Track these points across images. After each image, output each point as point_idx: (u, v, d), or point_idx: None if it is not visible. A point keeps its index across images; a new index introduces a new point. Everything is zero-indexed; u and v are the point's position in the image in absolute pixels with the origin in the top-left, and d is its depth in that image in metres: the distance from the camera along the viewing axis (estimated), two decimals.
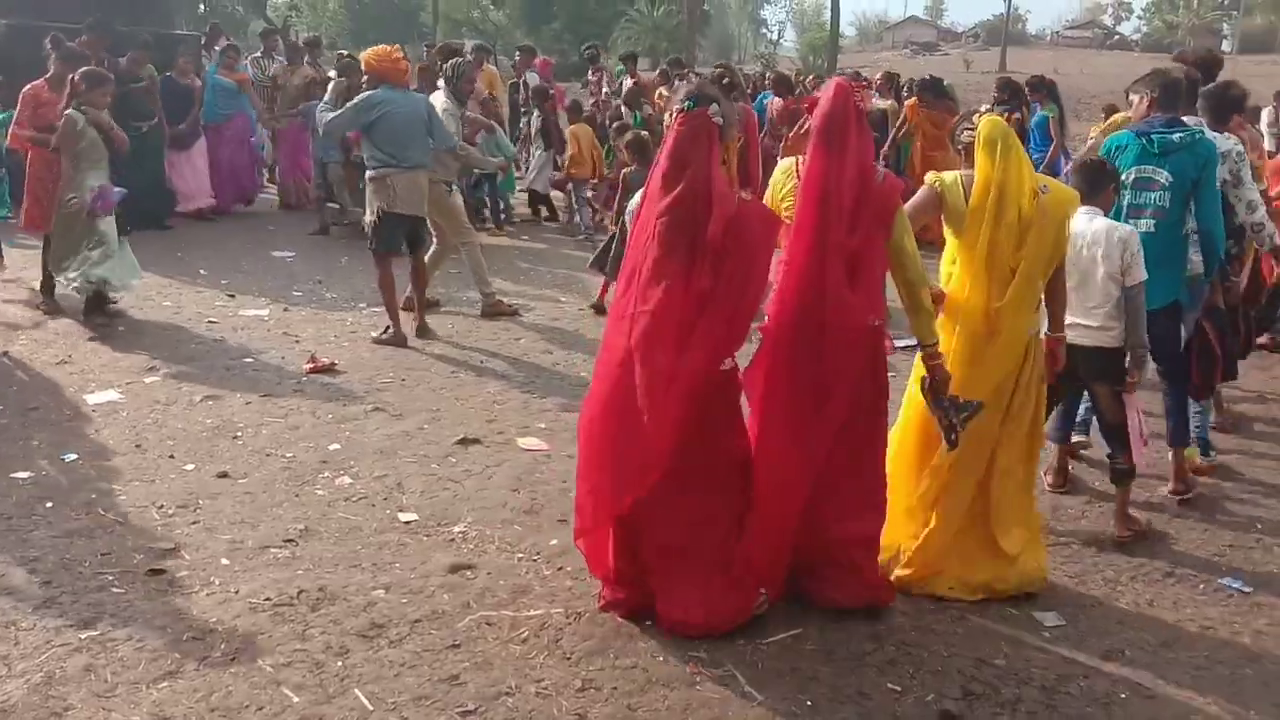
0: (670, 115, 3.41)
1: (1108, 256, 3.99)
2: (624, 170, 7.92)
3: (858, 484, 3.50)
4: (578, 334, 7.04)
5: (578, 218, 10.66)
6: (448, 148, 6.86)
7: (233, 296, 7.66)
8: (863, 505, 3.52)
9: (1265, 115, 10.63)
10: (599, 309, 7.45)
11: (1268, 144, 9.28)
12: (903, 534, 3.79)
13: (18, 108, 7.01)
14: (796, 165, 3.55)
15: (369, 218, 6.61)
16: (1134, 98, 4.83)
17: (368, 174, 6.55)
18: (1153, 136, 4.41)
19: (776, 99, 11.53)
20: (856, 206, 3.32)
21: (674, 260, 3.19)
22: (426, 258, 6.99)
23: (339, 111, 6.65)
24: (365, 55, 6.87)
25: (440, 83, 7.61)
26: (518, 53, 13.86)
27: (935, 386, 3.51)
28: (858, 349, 3.40)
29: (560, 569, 3.80)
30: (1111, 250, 3.98)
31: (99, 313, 6.69)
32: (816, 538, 3.48)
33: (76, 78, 6.45)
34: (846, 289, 3.32)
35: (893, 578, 3.70)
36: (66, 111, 6.38)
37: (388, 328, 6.67)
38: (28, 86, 7.05)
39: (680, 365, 3.15)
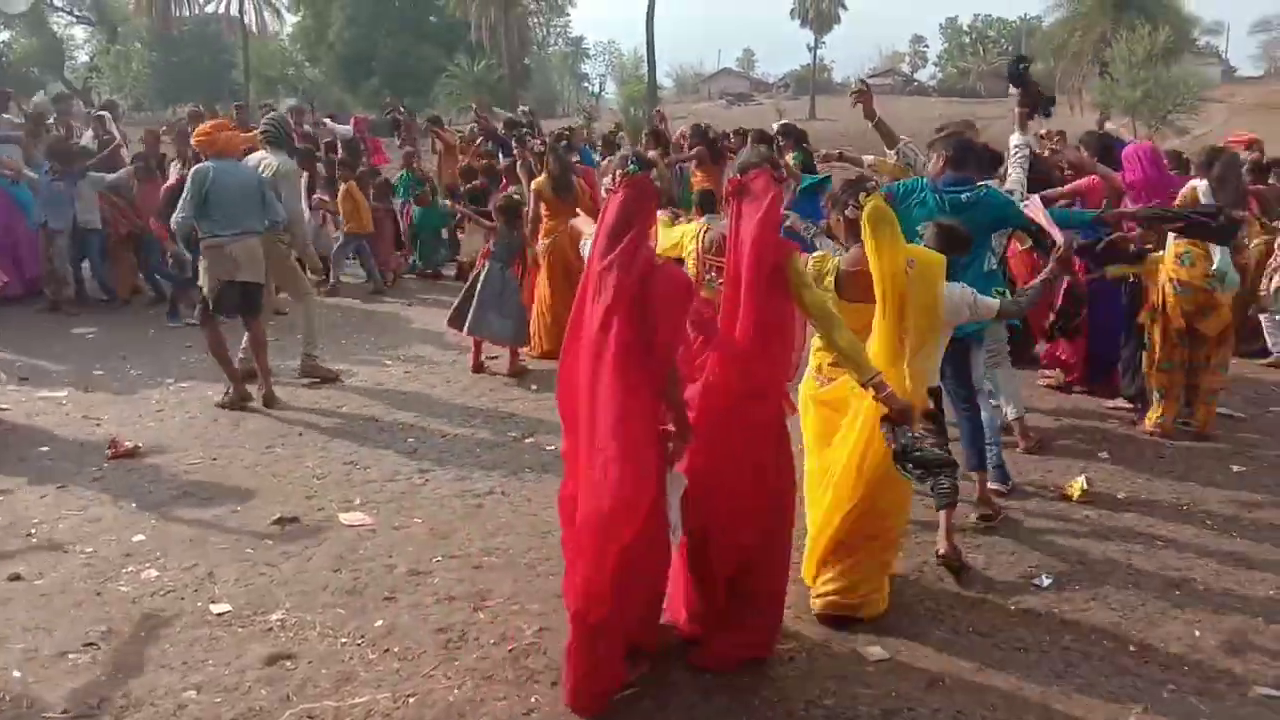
0: (612, 178, 3.53)
1: (955, 314, 4.23)
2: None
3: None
4: (404, 397, 6.89)
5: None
6: (275, 221, 6.66)
7: (25, 379, 7.15)
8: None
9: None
10: (477, 368, 7.56)
11: None
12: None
13: None
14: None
15: (206, 288, 6.44)
16: (931, 155, 5.18)
17: (203, 244, 6.36)
18: (944, 195, 4.76)
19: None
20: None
21: (612, 314, 3.20)
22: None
23: (180, 206, 6.41)
24: (194, 132, 6.88)
25: (264, 142, 7.32)
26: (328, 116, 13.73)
27: (892, 418, 3.53)
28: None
29: (386, 650, 3.69)
30: (956, 312, 4.22)
31: None
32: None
33: None
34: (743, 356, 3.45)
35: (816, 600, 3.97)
36: None
37: (227, 390, 6.53)
38: None
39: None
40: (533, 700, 3.39)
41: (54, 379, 7.21)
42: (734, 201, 3.55)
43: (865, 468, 3.77)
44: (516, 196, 8.20)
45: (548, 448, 5.97)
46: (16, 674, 3.48)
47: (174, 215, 6.55)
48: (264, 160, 6.99)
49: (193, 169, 6.55)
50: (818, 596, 3.97)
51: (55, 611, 3.93)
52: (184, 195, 6.40)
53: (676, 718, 3.30)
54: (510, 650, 3.69)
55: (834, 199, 4.28)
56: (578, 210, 7.05)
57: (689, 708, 3.35)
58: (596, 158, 12.21)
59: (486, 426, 6.36)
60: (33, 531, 4.65)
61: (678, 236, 4.95)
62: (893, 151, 5.80)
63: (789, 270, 3.47)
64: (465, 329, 7.46)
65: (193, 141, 6.76)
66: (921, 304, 3.88)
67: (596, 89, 71.03)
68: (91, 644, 3.69)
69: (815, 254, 4.14)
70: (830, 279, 4.00)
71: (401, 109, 15.48)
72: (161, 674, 3.50)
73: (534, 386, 7.28)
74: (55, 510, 4.89)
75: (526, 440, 6.12)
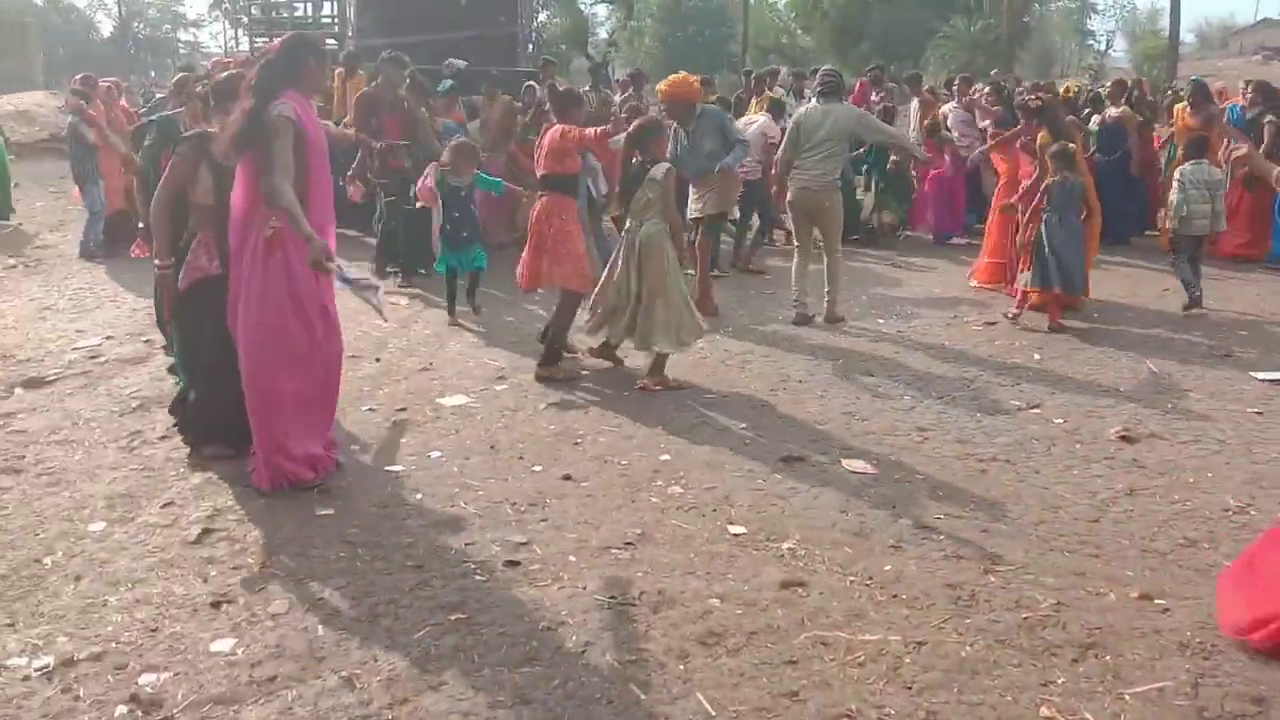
0: None
1: None
2: None
3: None
4: (901, 351, 6.89)
5: None
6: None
7: None
8: None
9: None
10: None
11: None
12: None
13: None
14: None
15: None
16: None
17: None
18: None
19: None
20: None
21: None
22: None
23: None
24: (660, 85, 7.79)
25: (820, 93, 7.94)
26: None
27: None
28: None
29: (894, 595, 3.71)
30: None
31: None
32: None
33: None
34: None
35: None
36: None
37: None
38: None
39: None
40: (1052, 675, 3.22)
41: None
42: None
43: None
44: (1072, 147, 7.83)
45: (1054, 420, 5.64)
46: (571, 558, 4.00)
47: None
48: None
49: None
50: None
51: (599, 510, 4.45)
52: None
53: None
54: (1025, 619, 3.54)
55: None
56: None
57: None
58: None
59: (986, 392, 6.15)
60: (579, 441, 5.30)
61: None
62: None
63: None
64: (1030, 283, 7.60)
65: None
66: None
67: (1103, 46, 64.92)
68: (629, 543, 4.13)
69: None
70: None
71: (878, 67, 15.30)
72: (689, 580, 3.83)
73: (1037, 355, 6.91)
74: (597, 425, 5.54)
75: (1031, 410, 5.82)
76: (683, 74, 8.13)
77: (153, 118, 6.03)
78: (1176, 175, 8.35)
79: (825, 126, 7.45)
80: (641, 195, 5.97)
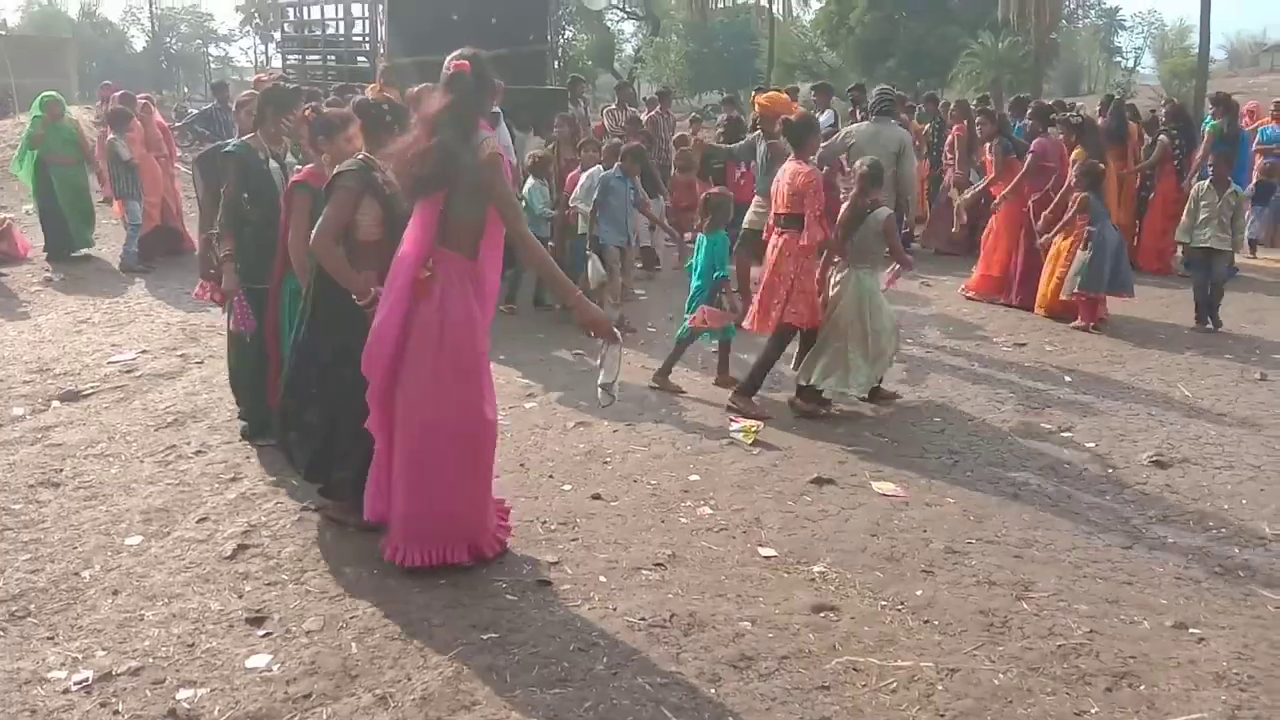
0: None
1: None
2: None
3: None
4: (924, 373, 6.87)
5: None
6: None
7: None
8: None
9: None
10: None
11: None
12: None
13: None
14: None
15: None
16: None
17: None
18: None
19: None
20: None
21: None
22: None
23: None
24: (760, 99, 8.34)
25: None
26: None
27: None
28: None
29: (926, 621, 3.70)
30: None
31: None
32: None
33: None
34: None
35: None
36: None
37: None
38: None
39: None
40: (1086, 704, 3.20)
41: None
42: None
43: None
44: (1101, 166, 8.41)
45: (1086, 445, 5.61)
46: (602, 579, 4.01)
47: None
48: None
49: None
50: None
51: (629, 531, 4.46)
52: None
53: None
54: (1059, 646, 3.52)
55: None
56: None
57: None
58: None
59: (1016, 415, 6.13)
60: (609, 460, 5.32)
61: None
62: None
63: None
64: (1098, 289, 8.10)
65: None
66: None
67: (1130, 63, 64.58)
68: (660, 564, 4.14)
69: None
70: None
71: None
72: (719, 602, 3.83)
73: (1068, 378, 6.87)
74: (626, 444, 5.55)
75: (1063, 433, 5.80)
76: (777, 91, 9.09)
77: (228, 145, 5.30)
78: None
79: (874, 146, 7.47)
80: (863, 237, 6.02)
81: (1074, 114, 9.17)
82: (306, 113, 5.20)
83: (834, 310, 6.05)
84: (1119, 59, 64.44)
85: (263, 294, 5.04)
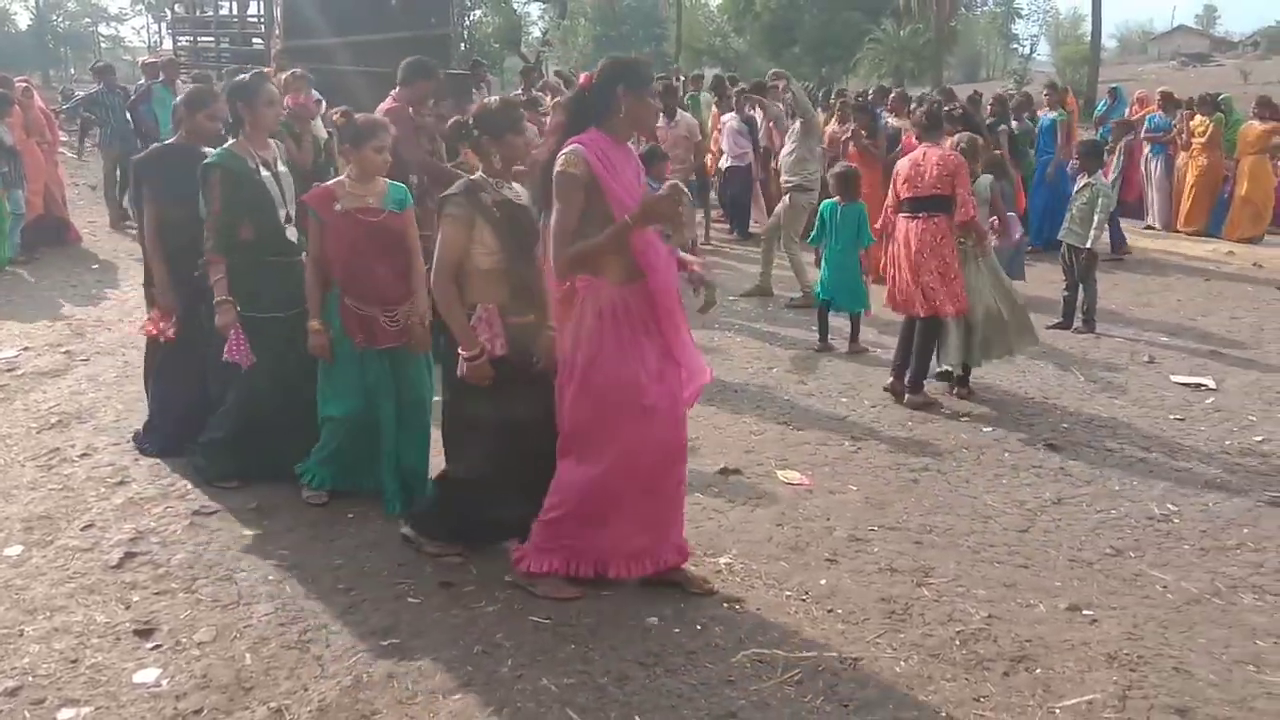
0: None
1: None
2: None
3: None
4: (830, 366, 6.95)
5: None
6: None
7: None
8: None
9: None
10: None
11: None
12: None
13: None
14: None
15: None
16: None
17: None
18: None
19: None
20: None
21: None
22: None
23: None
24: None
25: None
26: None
27: None
28: None
29: (830, 611, 3.74)
30: None
31: None
32: None
33: None
34: None
35: None
36: None
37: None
38: None
39: None
40: (984, 689, 3.27)
41: None
42: None
43: None
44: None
45: (983, 429, 5.75)
46: (507, 578, 3.94)
47: None
48: None
49: None
50: None
51: None
52: None
53: None
54: (958, 632, 3.59)
55: None
56: None
57: None
58: None
59: (916, 400, 6.23)
60: None
61: None
62: None
63: None
64: None
65: None
66: None
67: (1027, 50, 66.49)
68: None
69: None
70: None
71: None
72: (627, 599, 3.78)
73: None
74: None
75: (961, 418, 5.93)
76: None
77: (211, 157, 4.58)
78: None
79: None
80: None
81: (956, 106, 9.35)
82: (337, 116, 4.56)
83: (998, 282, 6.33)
84: (1015, 46, 66.37)
85: (262, 323, 4.53)
